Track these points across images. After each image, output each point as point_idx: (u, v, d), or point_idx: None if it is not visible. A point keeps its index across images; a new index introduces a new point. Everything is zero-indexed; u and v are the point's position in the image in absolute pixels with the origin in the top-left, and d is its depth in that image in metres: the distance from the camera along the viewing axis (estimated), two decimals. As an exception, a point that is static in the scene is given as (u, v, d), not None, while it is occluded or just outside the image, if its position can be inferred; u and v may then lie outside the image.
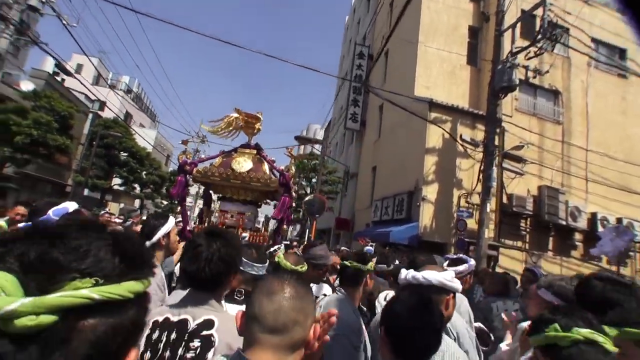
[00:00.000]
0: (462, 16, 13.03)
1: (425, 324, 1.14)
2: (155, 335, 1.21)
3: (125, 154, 23.77)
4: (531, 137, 11.56)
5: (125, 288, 0.42)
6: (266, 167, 4.61)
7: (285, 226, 5.20)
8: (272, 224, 6.16)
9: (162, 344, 1.19)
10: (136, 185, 26.55)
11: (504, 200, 10.95)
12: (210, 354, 1.14)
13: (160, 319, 1.23)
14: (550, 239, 11.32)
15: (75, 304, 0.38)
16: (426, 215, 10.51)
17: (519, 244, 10.97)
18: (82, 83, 13.84)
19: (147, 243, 1.88)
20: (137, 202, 30.50)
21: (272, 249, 3.50)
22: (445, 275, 1.58)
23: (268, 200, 5.26)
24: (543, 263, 11.04)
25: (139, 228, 2.74)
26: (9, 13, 7.76)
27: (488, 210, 8.90)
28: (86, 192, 22.80)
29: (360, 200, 16.86)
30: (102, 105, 25.91)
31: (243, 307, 0.94)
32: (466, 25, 13.10)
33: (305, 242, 7.65)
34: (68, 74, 15.73)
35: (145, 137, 25.12)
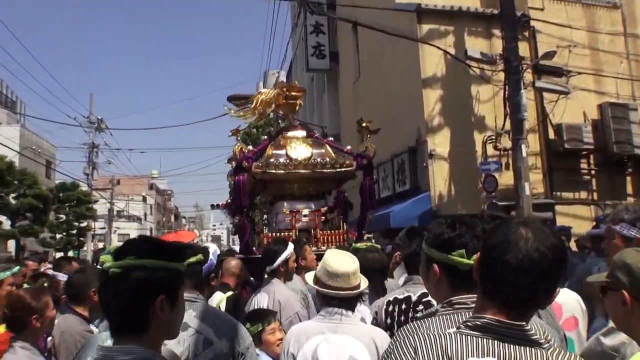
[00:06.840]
0: None
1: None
2: (390, 308, 2.04)
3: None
4: (576, 36, 7.90)
5: (145, 263, 0.93)
6: (329, 149, 4.28)
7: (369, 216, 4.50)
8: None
9: (396, 313, 2.02)
10: (1, 219, 17.11)
11: (551, 135, 7.55)
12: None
13: (391, 298, 2.07)
14: (628, 178, 7.89)
15: (126, 265, 0.92)
16: (439, 178, 7.38)
17: (583, 195, 7.67)
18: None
19: (268, 269, 2.64)
20: (10, 243, 18.54)
21: None
22: None
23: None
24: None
25: None
26: None
27: (524, 154, 6.05)
28: None
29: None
30: None
31: None
32: None
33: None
34: None
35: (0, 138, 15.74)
